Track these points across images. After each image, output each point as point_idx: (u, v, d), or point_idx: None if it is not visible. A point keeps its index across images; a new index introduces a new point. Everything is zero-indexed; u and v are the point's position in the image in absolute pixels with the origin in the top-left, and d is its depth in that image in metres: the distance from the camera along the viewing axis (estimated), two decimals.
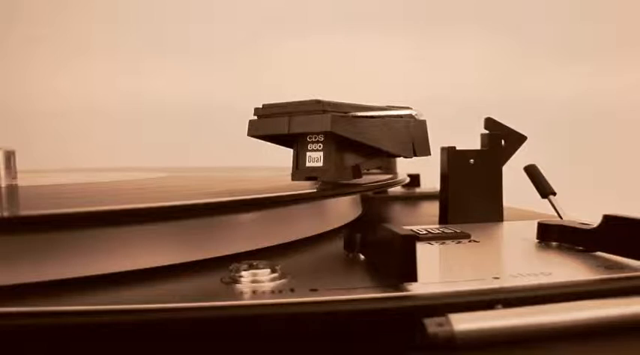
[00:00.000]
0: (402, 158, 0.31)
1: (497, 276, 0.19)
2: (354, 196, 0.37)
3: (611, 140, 0.79)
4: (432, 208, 0.39)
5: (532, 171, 0.34)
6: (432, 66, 0.77)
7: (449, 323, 0.15)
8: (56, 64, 0.71)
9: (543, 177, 0.34)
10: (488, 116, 0.33)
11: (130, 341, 0.15)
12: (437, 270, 0.21)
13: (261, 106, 0.30)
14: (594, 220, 0.23)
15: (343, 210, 0.34)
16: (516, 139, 0.32)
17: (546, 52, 0.79)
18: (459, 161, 0.32)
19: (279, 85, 0.69)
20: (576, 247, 0.24)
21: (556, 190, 0.33)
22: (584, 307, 0.16)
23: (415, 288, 0.17)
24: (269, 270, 0.19)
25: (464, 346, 0.15)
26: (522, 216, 0.35)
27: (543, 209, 0.35)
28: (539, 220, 0.26)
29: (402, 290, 0.17)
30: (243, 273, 0.19)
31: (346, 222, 0.34)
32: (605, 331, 0.16)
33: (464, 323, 0.15)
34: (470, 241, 0.26)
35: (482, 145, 0.33)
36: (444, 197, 0.32)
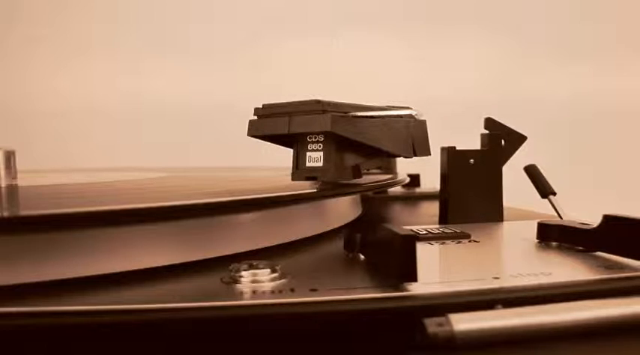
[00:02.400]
0: (402, 158, 0.31)
1: (498, 276, 0.19)
2: (354, 196, 0.37)
3: (611, 140, 0.79)
4: (432, 208, 0.39)
5: (532, 171, 0.34)
6: (432, 66, 0.77)
7: (449, 323, 0.15)
8: (56, 64, 0.71)
9: (543, 177, 0.34)
10: (488, 116, 0.33)
11: (130, 341, 0.15)
12: (437, 270, 0.21)
13: (261, 106, 0.30)
14: (594, 220, 0.23)
15: (343, 210, 0.34)
16: (516, 139, 0.32)
17: (546, 52, 0.79)
18: (459, 161, 0.32)
19: (279, 85, 0.69)
20: (576, 247, 0.24)
21: (556, 190, 0.33)
22: (584, 307, 0.16)
23: (415, 288, 0.17)
24: (269, 270, 0.19)
25: (464, 346, 0.15)
26: (522, 216, 0.35)
27: (543, 209, 0.35)
28: (539, 220, 0.26)
29: (402, 290, 0.17)
30: (243, 273, 0.19)
31: (346, 222, 0.34)
32: (605, 331, 0.16)
33: (464, 323, 0.15)
34: (470, 241, 0.26)
35: (482, 145, 0.33)
36: (444, 197, 0.32)
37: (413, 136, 0.31)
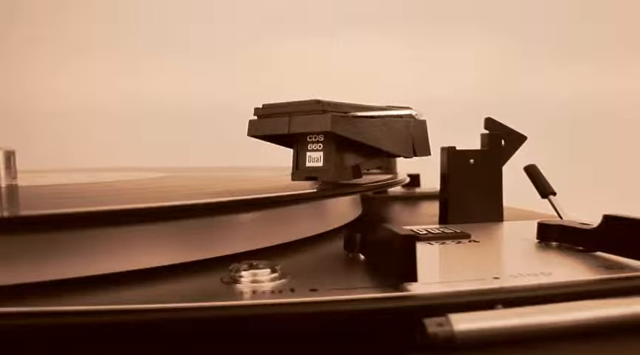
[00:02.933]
0: (402, 158, 0.31)
1: (497, 276, 0.19)
2: (354, 196, 0.37)
3: (611, 140, 0.79)
4: (432, 208, 0.39)
5: (532, 171, 0.34)
6: (432, 66, 0.77)
7: (449, 323, 0.15)
8: (56, 64, 0.71)
9: (543, 177, 0.34)
10: (488, 116, 0.33)
11: (130, 341, 0.15)
12: (437, 270, 0.21)
13: (261, 106, 0.30)
14: (594, 220, 0.23)
15: (343, 210, 0.34)
16: (516, 139, 0.32)
17: (546, 52, 0.79)
18: (459, 161, 0.32)
19: (279, 85, 0.69)
20: (576, 247, 0.24)
21: (556, 190, 0.33)
22: (584, 307, 0.16)
23: (415, 288, 0.17)
24: (269, 270, 0.19)
25: (464, 346, 0.15)
26: (522, 216, 0.35)
27: (543, 209, 0.35)
28: (539, 220, 0.26)
29: (402, 290, 0.17)
30: (243, 273, 0.19)
31: (346, 222, 0.34)
32: (605, 331, 0.16)
33: (464, 323, 0.15)
34: (470, 241, 0.26)
35: (482, 145, 0.33)
36: (444, 197, 0.32)
37: (413, 136, 0.31)
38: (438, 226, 0.29)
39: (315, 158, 0.29)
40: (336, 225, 0.31)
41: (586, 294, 0.17)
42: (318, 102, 0.27)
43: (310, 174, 0.29)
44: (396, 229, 0.18)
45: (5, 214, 0.21)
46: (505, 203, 0.33)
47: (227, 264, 0.19)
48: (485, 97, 0.75)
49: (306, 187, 0.28)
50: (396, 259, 0.18)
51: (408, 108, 0.31)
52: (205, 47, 0.73)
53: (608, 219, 0.22)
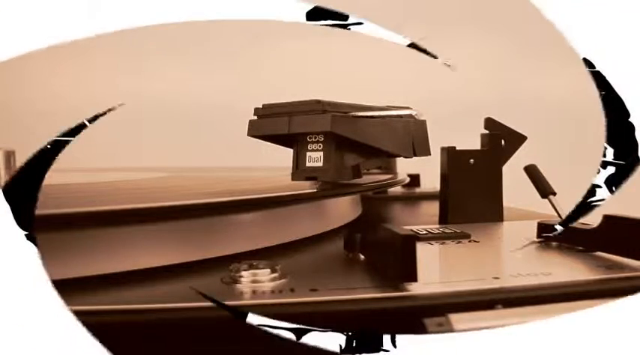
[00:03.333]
0: (402, 158, 0.31)
1: (497, 276, 0.19)
2: (354, 196, 0.37)
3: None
4: (432, 208, 0.39)
5: (532, 171, 0.34)
6: (432, 66, 0.77)
7: (449, 323, 0.15)
8: (56, 64, 0.71)
9: (543, 177, 0.34)
10: (488, 116, 0.33)
11: (130, 341, 0.15)
12: (437, 270, 0.21)
13: (261, 106, 0.30)
14: (594, 220, 0.23)
15: (343, 210, 0.34)
16: (516, 139, 0.32)
17: (546, 52, 0.79)
18: (459, 161, 0.32)
19: (279, 85, 0.69)
20: (576, 247, 0.24)
21: (556, 190, 0.33)
22: (584, 307, 0.16)
23: (415, 288, 0.17)
24: (269, 270, 0.19)
25: None
26: (522, 216, 0.35)
27: (543, 209, 0.35)
28: (539, 220, 0.26)
29: (402, 290, 0.17)
30: (243, 273, 0.19)
31: (346, 222, 0.34)
32: None
33: (464, 323, 0.15)
34: (470, 241, 0.26)
35: (482, 145, 0.33)
36: (443, 197, 0.32)
37: (413, 136, 0.31)
38: (438, 226, 0.29)
39: (315, 158, 0.29)
40: (336, 225, 0.31)
41: (586, 294, 0.17)
42: (318, 102, 0.27)
43: (310, 174, 0.29)
44: (396, 229, 0.18)
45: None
46: (505, 203, 0.33)
47: (227, 264, 0.19)
48: (486, 97, 0.75)
49: (306, 187, 0.28)
50: (396, 259, 0.18)
51: (408, 108, 0.31)
52: (205, 47, 0.73)
53: (608, 219, 0.22)
